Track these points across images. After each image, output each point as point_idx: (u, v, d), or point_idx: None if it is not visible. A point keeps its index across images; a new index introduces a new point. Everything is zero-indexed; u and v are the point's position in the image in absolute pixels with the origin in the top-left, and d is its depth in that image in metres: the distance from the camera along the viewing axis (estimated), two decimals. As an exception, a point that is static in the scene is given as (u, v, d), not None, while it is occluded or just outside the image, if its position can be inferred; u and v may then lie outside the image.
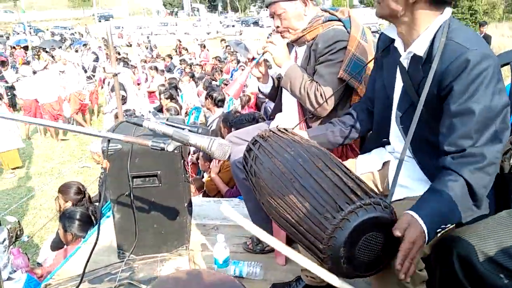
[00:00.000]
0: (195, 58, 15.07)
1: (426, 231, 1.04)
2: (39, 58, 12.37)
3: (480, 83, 1.12)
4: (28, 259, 3.03)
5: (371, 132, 1.64)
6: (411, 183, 1.33)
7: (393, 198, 1.28)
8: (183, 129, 1.67)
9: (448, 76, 1.16)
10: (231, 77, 9.68)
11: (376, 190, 1.47)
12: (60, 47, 16.95)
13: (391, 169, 1.41)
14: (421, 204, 1.11)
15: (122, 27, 30.57)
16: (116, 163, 1.82)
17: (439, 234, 1.19)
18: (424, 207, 1.09)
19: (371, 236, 1.03)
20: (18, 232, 3.33)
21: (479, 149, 1.13)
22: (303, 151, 1.24)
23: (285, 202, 1.14)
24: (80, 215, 2.70)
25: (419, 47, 1.24)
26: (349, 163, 1.53)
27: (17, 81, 10.99)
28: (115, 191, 1.91)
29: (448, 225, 1.21)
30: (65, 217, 2.71)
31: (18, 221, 3.75)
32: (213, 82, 8.79)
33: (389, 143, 1.48)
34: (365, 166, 1.50)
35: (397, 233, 1.01)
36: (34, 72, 8.16)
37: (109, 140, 1.19)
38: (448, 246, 1.16)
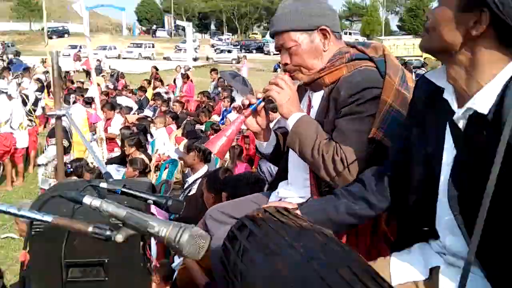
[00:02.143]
0: (173, 92, 15.37)
1: None
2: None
3: None
4: None
5: (407, 215, 1.56)
6: None
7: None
8: (146, 199, 1.63)
9: None
10: (222, 120, 9.79)
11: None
12: None
13: (443, 281, 1.33)
14: None
15: (80, 47, 31.57)
16: (45, 244, 1.74)
17: None
18: None
19: None
20: None
21: None
22: (318, 248, 1.18)
23: None
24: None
25: (483, 102, 1.20)
26: (381, 264, 1.46)
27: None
28: (40, 285, 1.82)
29: None
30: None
31: None
32: (197, 126, 8.87)
33: (434, 235, 1.42)
34: (404, 272, 1.43)
35: None
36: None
37: (32, 222, 1.13)
38: None
